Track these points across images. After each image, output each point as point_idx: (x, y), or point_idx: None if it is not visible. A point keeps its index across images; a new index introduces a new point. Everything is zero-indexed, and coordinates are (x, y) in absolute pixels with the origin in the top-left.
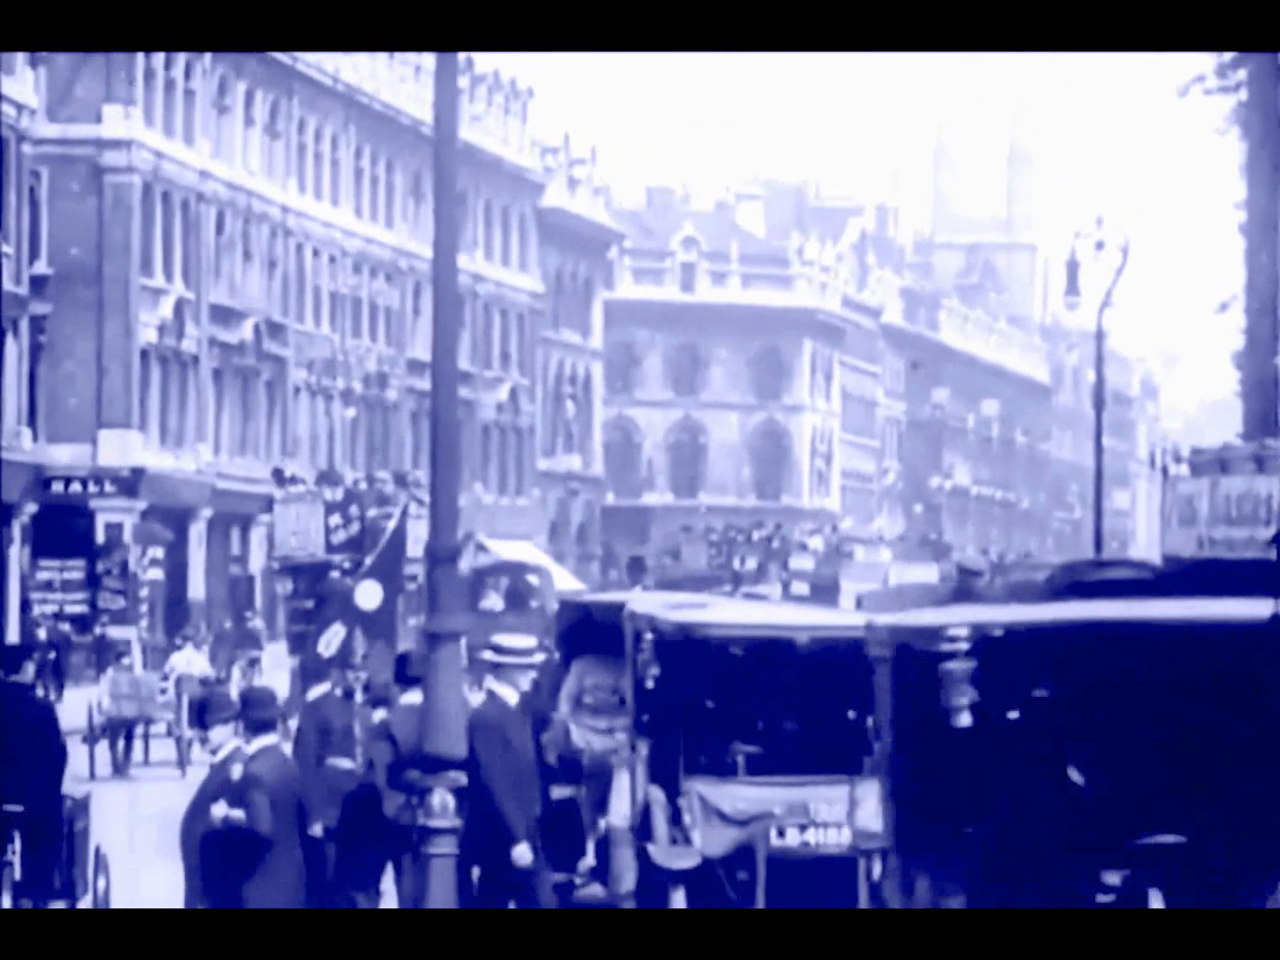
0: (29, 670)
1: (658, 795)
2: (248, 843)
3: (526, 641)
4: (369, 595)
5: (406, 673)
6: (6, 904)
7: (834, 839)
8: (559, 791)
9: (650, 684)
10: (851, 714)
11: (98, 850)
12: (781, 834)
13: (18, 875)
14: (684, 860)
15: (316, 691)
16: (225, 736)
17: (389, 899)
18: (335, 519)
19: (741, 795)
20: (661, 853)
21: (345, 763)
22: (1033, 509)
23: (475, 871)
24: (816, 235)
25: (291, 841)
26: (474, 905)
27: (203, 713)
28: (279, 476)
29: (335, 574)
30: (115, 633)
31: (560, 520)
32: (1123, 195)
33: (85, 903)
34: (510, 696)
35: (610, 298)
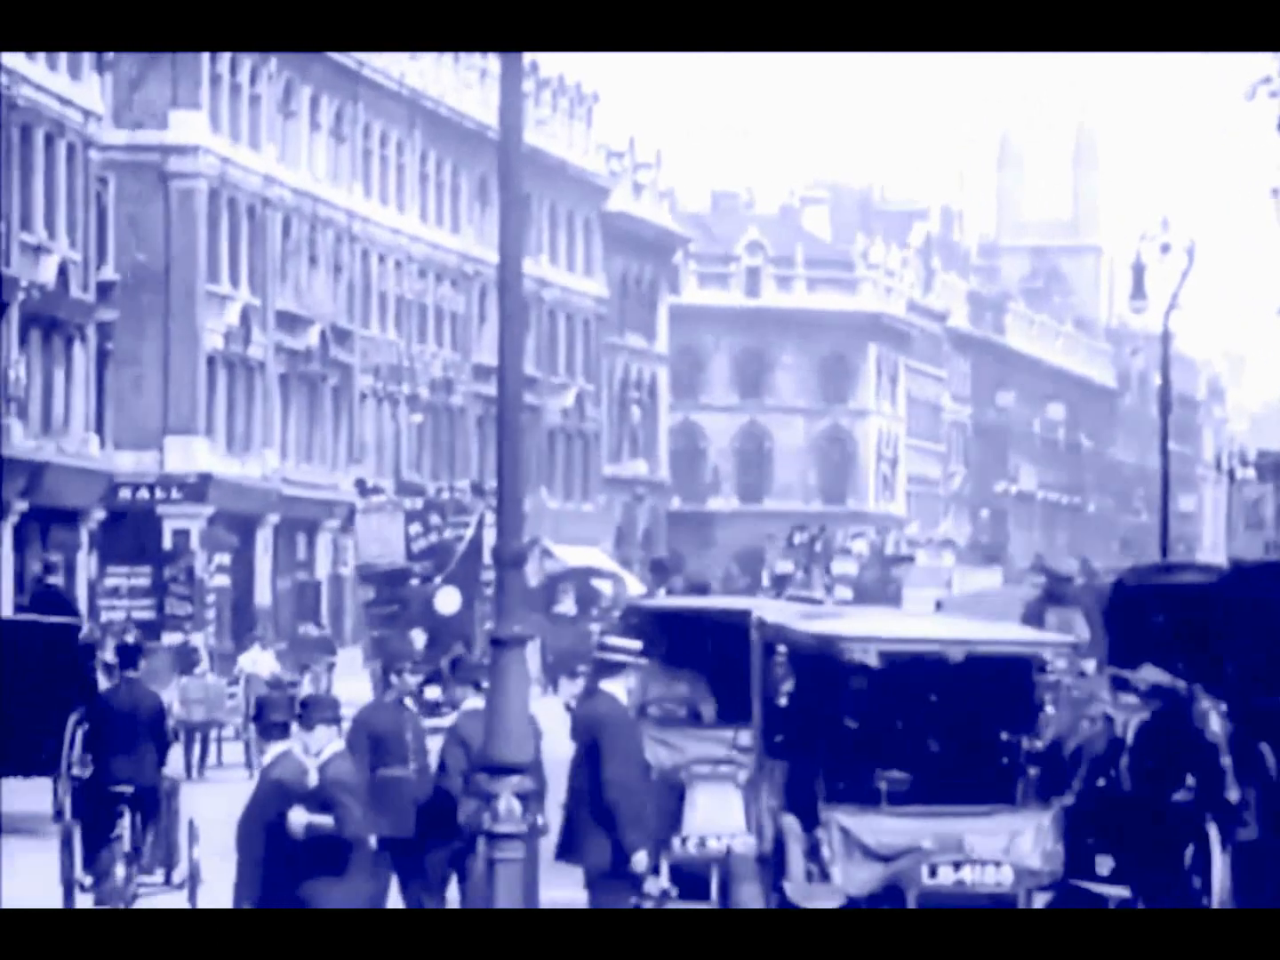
0: (142, 666)
1: (792, 825)
2: (332, 847)
3: (633, 642)
4: (448, 601)
5: (461, 676)
6: (120, 872)
7: (992, 877)
8: None
9: (783, 701)
10: (1007, 736)
11: (191, 824)
12: (934, 872)
13: (126, 846)
14: (824, 899)
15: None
16: (324, 740)
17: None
18: (415, 527)
19: (888, 827)
20: (798, 890)
21: (397, 770)
22: (1099, 513)
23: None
24: (881, 239)
25: (366, 846)
26: (589, 904)
27: (259, 715)
28: (361, 486)
29: (415, 581)
30: (182, 639)
31: (626, 526)
32: (1188, 197)
33: (181, 871)
34: (620, 695)
35: (675, 302)
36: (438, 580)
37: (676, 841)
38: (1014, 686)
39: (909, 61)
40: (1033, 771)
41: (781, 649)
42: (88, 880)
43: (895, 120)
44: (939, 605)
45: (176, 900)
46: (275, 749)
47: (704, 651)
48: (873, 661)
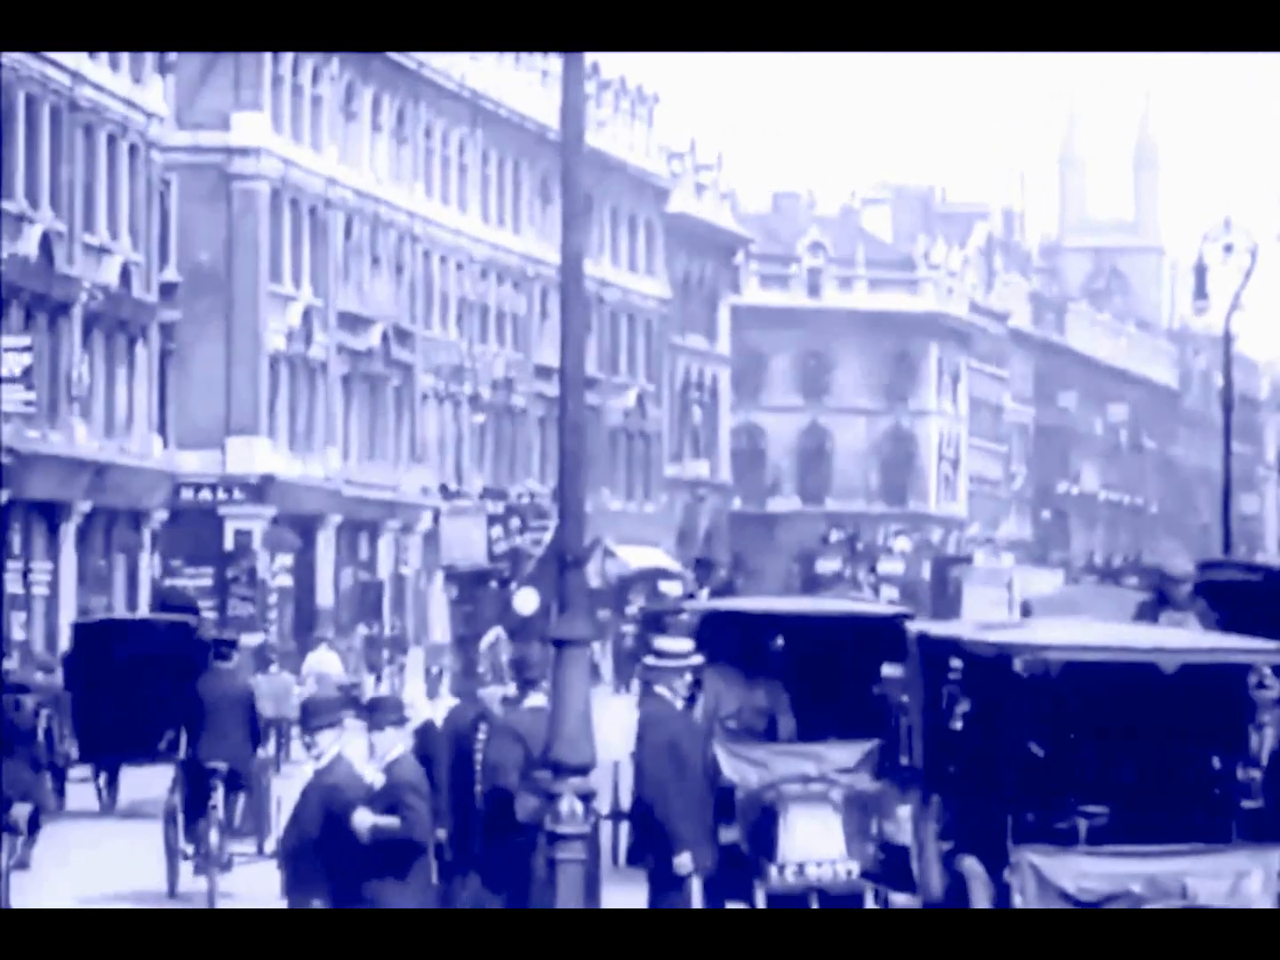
0: (235, 659)
1: (974, 869)
2: (398, 849)
3: (684, 644)
4: (526, 601)
5: (524, 676)
6: (214, 840)
7: None
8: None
9: (957, 724)
10: (1220, 760)
11: (279, 800)
12: None
13: (220, 817)
14: None
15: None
16: (329, 741)
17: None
18: (497, 530)
19: (1090, 869)
20: None
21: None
22: (1161, 514)
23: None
24: (943, 239)
25: (429, 849)
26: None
27: (305, 719)
28: (445, 491)
29: (494, 582)
30: (245, 639)
31: (687, 526)
32: (1251, 198)
33: (271, 841)
34: (672, 699)
35: (737, 303)
36: (516, 582)
37: (772, 870)
38: (1228, 703)
39: (971, 61)
40: (1251, 802)
41: (955, 663)
42: (189, 849)
43: (957, 121)
44: (1026, 607)
45: (267, 869)
46: (329, 753)
47: (784, 659)
48: (1072, 674)
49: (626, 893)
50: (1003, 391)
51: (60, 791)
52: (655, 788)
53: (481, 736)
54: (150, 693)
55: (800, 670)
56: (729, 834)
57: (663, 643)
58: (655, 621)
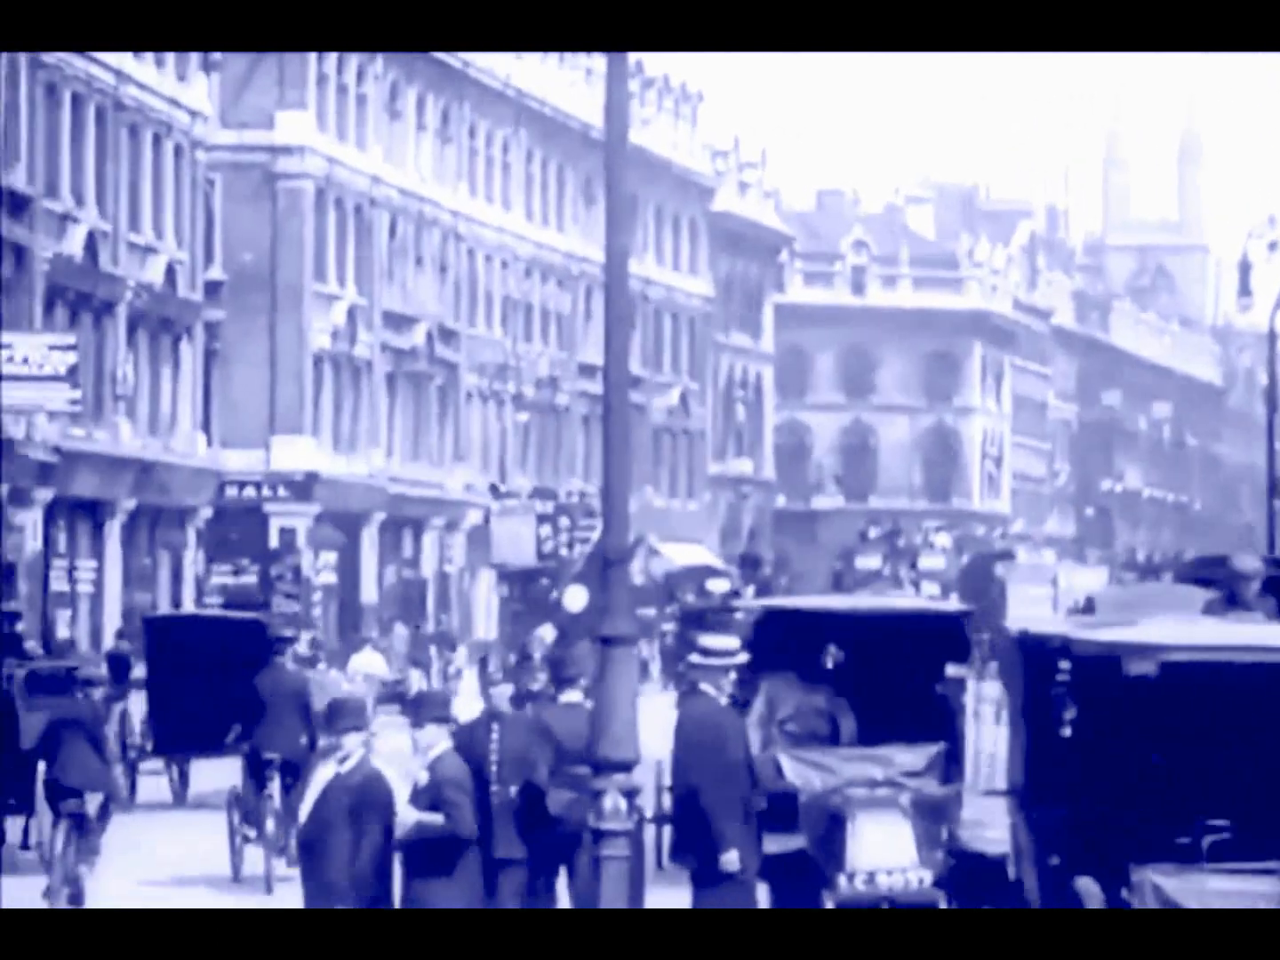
0: (289, 654)
1: (1090, 889)
2: (443, 846)
3: (730, 642)
4: (576, 598)
5: (562, 674)
6: (271, 826)
7: None
8: (780, 843)
9: (1066, 731)
10: None
11: None
12: None
13: (276, 805)
14: None
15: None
16: (354, 744)
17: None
18: (546, 529)
19: (1220, 889)
20: None
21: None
22: (1204, 511)
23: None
24: (987, 237)
25: (474, 846)
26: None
27: (331, 719)
28: (495, 491)
29: (545, 580)
30: (311, 636)
31: (731, 524)
32: None
33: None
34: (717, 697)
35: (781, 301)
36: (567, 579)
37: (841, 879)
38: None
39: (1016, 60)
40: None
41: (1063, 665)
42: (251, 833)
43: (1001, 118)
44: (1090, 604)
45: None
46: (353, 757)
47: (844, 658)
48: (1196, 676)
49: (669, 892)
50: (1046, 389)
51: (132, 784)
52: (700, 786)
53: (494, 735)
54: (220, 688)
55: (861, 670)
56: (793, 841)
57: (708, 640)
58: (698, 619)
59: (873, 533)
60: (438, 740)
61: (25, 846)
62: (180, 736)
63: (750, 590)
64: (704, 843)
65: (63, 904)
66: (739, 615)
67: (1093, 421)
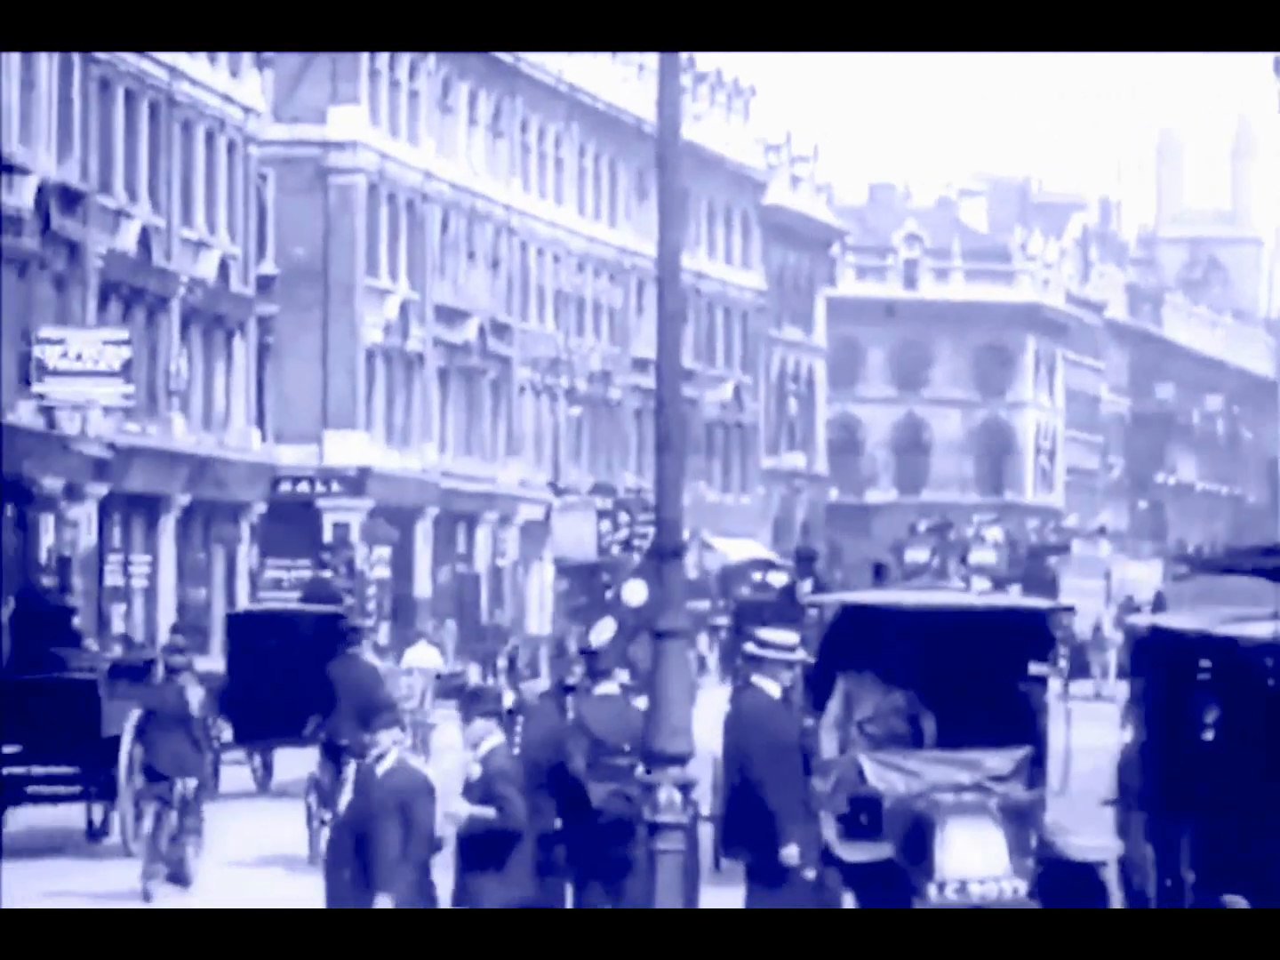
0: (366, 645)
1: (1241, 906)
2: (495, 841)
3: (788, 636)
4: (636, 592)
5: (597, 667)
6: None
7: None
8: (865, 851)
9: (1207, 734)
10: None
11: None
12: None
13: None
14: None
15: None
16: (389, 740)
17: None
18: (606, 525)
19: None
20: None
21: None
22: (1258, 504)
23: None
24: (1039, 230)
25: (527, 840)
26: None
27: (364, 720)
28: (554, 487)
29: (605, 574)
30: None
31: (784, 518)
32: None
33: None
34: (773, 691)
35: (833, 294)
36: (627, 573)
37: (931, 888)
38: None
39: (1068, 55)
40: None
41: (1204, 664)
42: (327, 816)
43: (1053, 111)
44: (1160, 598)
45: None
46: (390, 755)
47: (924, 656)
48: None
49: (723, 890)
50: (1099, 382)
51: (215, 773)
52: (756, 781)
53: (517, 728)
54: (300, 680)
55: (942, 669)
56: (879, 850)
57: (765, 633)
58: (755, 613)
59: (922, 526)
60: (488, 734)
61: (95, 835)
62: (261, 727)
63: (807, 585)
64: (760, 837)
65: (161, 884)
66: (811, 611)
67: (1146, 414)
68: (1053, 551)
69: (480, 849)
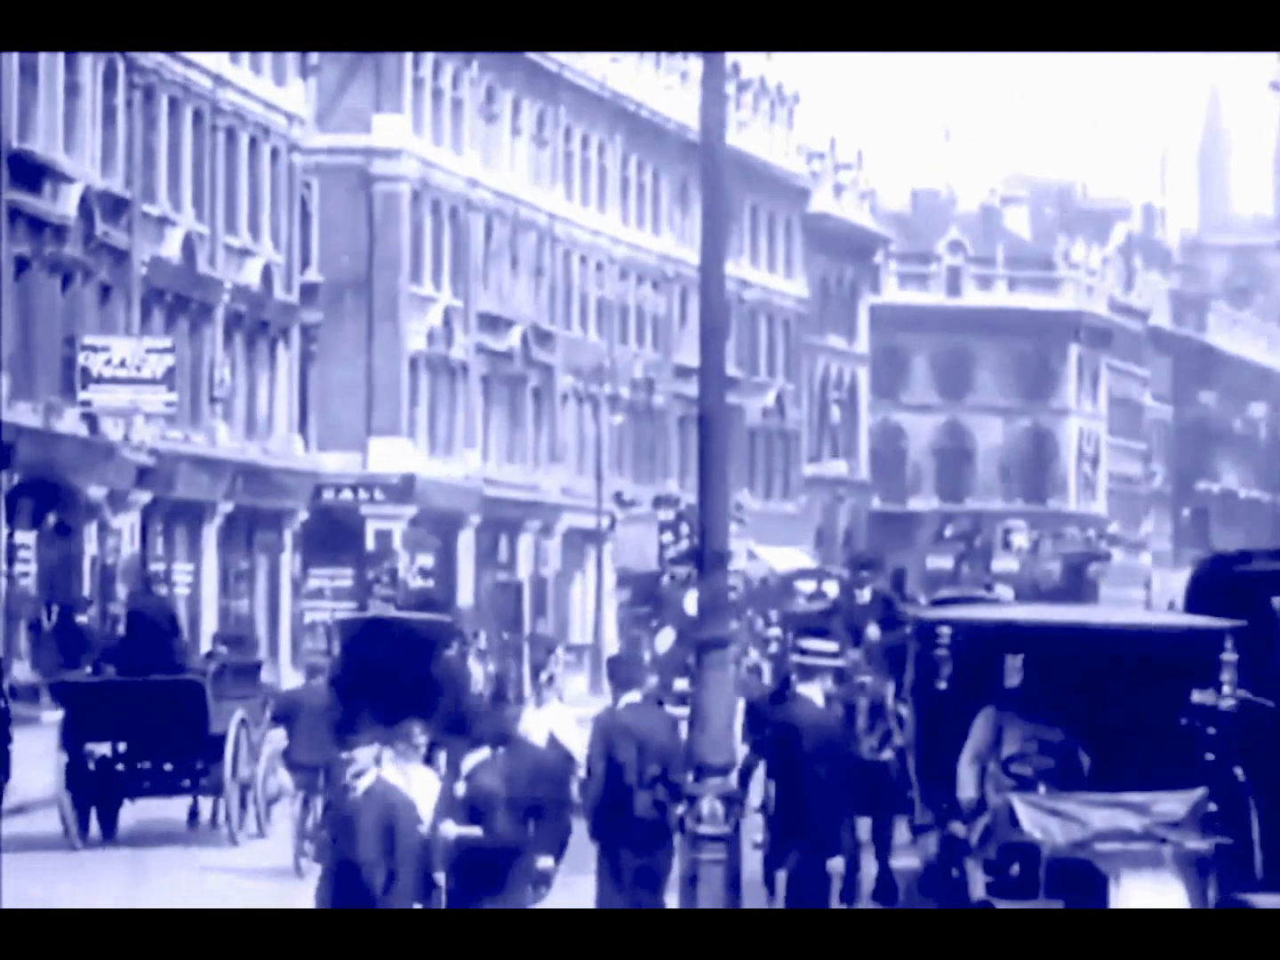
0: (454, 648)
1: None
2: (487, 857)
3: (829, 645)
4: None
5: (620, 675)
6: None
7: None
8: (1022, 906)
9: None
10: None
11: None
12: None
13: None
14: None
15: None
16: (367, 758)
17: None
18: (668, 536)
19: None
20: None
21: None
22: None
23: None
24: (1083, 238)
25: (524, 855)
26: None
27: (455, 720)
28: (619, 499)
29: (666, 584)
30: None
31: (826, 526)
32: None
33: None
34: (816, 697)
35: (876, 302)
36: (686, 584)
37: None
38: None
39: (1112, 60)
40: None
41: None
42: None
43: (1097, 118)
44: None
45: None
46: (370, 773)
47: (1071, 683)
48: None
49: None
50: (1143, 390)
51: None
52: (807, 790)
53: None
54: (405, 684)
55: (1099, 697)
56: (1041, 906)
57: (808, 642)
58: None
59: (948, 531)
60: (477, 755)
61: (197, 826)
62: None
63: (866, 594)
64: (807, 846)
65: (309, 862)
66: (942, 629)
67: (1189, 422)
68: (1092, 559)
69: (471, 868)
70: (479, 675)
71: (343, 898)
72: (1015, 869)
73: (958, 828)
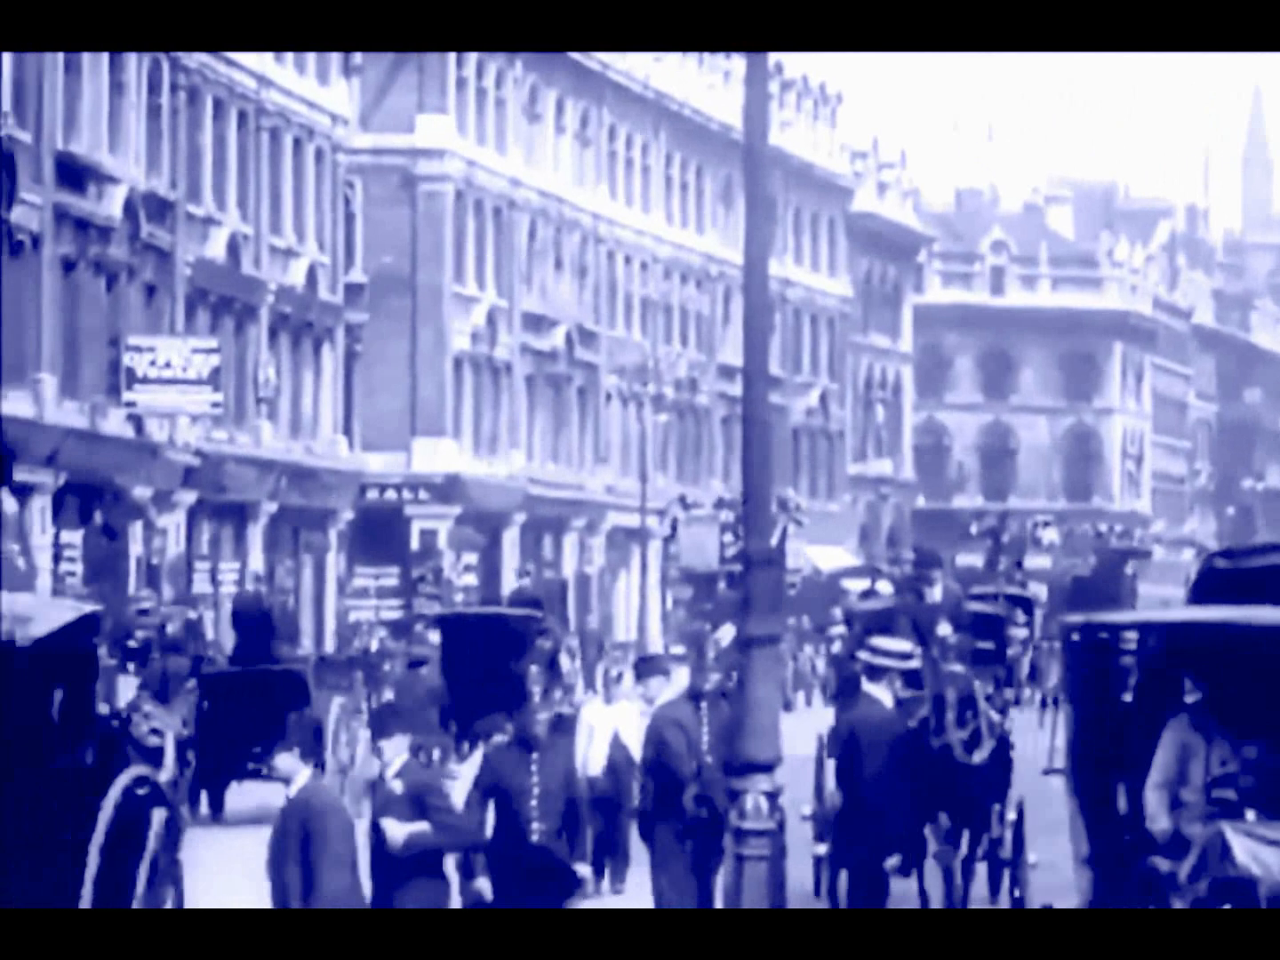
0: (563, 647)
1: None
2: (437, 857)
3: (902, 645)
4: None
5: (649, 670)
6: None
7: None
8: None
9: None
10: None
11: None
12: None
13: None
14: None
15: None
16: (283, 768)
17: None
18: (728, 537)
19: None
20: None
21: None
22: None
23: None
24: (1126, 236)
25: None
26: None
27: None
28: (683, 502)
29: (723, 583)
30: (431, 638)
31: (870, 524)
32: None
33: None
34: (885, 699)
35: (919, 301)
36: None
37: None
38: None
39: (1154, 58)
40: None
41: None
42: None
43: (1140, 117)
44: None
45: None
46: (297, 780)
47: (1270, 692)
48: None
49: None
50: (1187, 389)
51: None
52: (868, 788)
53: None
54: (500, 679)
55: None
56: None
57: (880, 641)
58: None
59: (974, 528)
60: (400, 751)
61: None
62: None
63: (937, 591)
64: (869, 843)
65: None
66: (1103, 635)
67: (1233, 420)
68: (1131, 556)
69: (418, 868)
70: (569, 670)
71: (277, 898)
72: (1228, 908)
73: (1161, 863)
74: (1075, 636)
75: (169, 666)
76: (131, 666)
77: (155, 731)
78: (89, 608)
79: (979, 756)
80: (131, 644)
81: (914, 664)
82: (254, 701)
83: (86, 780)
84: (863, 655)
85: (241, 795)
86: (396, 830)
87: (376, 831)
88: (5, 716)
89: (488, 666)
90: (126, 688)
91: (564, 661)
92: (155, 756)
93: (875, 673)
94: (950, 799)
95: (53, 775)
